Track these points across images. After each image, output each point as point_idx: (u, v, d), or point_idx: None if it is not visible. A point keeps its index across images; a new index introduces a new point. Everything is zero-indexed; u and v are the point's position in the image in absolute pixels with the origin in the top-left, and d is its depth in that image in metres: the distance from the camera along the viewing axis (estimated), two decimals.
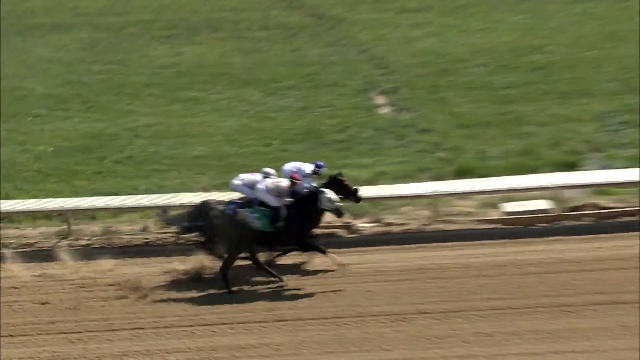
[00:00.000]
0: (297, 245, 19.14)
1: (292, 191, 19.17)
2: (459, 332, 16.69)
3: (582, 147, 23.67)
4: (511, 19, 31.40)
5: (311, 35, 31.46)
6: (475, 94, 26.72)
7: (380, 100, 27.08)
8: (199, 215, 19.51)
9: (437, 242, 20.19)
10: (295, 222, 18.82)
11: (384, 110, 26.49)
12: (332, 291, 18.21)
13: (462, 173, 22.54)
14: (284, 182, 19.29)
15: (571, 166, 22.62)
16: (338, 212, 18.98)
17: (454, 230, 20.92)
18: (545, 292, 17.87)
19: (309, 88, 27.96)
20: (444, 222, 21.23)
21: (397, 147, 24.37)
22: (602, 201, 21.48)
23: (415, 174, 22.80)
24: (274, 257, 19.63)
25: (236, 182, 19.91)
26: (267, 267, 19.05)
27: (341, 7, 33.52)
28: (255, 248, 18.98)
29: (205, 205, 19.52)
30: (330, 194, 18.85)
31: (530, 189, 21.46)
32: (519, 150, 23.77)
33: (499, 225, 21.01)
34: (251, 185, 19.59)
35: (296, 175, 19.39)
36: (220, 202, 19.50)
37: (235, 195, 19.93)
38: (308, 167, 19.86)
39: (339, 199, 18.86)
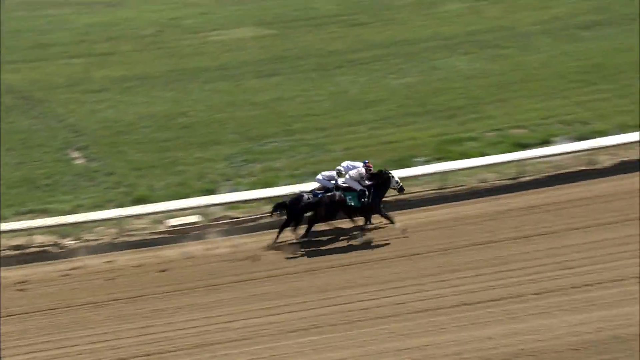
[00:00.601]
0: (374, 213, 20.54)
1: (369, 176, 20.37)
2: None
3: (218, 178, 24.07)
4: (165, 95, 31.01)
5: (21, 111, 30.56)
6: (143, 146, 26.60)
7: (75, 154, 26.55)
8: (302, 202, 20.43)
9: (121, 250, 21.01)
10: (374, 198, 20.29)
11: (79, 162, 26.07)
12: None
13: (138, 201, 22.81)
14: (362, 170, 20.52)
15: (211, 191, 23.06)
16: (401, 189, 20.75)
17: (134, 240, 21.66)
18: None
19: (23, 149, 27.27)
20: (127, 235, 21.90)
21: (90, 186, 24.24)
22: (233, 213, 22.44)
23: (104, 204, 22.98)
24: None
25: (319, 177, 20.95)
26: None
27: (42, 91, 32.66)
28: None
29: (302, 196, 20.52)
30: (396, 176, 20.54)
31: (185, 209, 22.18)
32: (176, 182, 24.00)
33: (166, 235, 21.84)
34: (330, 179, 20.72)
35: (370, 164, 20.74)
36: (310, 192, 20.63)
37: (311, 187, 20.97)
38: (358, 163, 20.83)
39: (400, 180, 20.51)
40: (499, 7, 33.89)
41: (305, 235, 20.76)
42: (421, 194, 22.88)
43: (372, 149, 24.79)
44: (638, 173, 22.74)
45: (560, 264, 19.64)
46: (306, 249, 20.49)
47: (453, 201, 22.49)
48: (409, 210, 21.97)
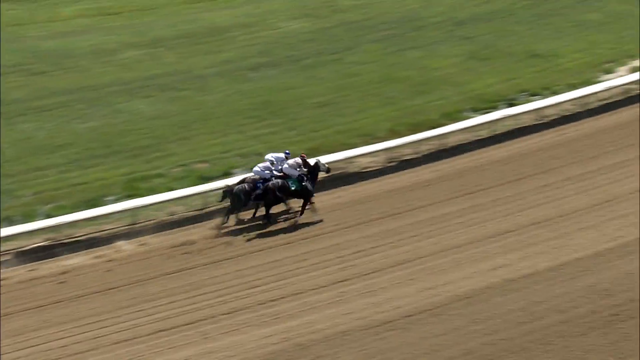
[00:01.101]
0: (311, 194, 22.57)
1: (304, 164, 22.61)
2: None
3: None
4: None
5: None
6: None
7: None
8: (249, 189, 22.11)
9: None
10: (308, 183, 22.52)
11: None
12: None
13: None
14: (299, 160, 22.64)
15: None
16: (327, 170, 23.34)
17: None
18: None
19: None
20: None
21: None
22: None
23: None
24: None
25: (256, 169, 22.60)
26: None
27: None
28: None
29: (247, 185, 22.17)
30: (323, 161, 23.20)
31: None
32: None
33: None
34: (266, 169, 22.47)
35: (304, 154, 23.00)
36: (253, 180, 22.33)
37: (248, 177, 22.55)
38: (281, 154, 22.84)
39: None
40: (174, 52, 34.42)
41: (267, 218, 22.57)
42: (113, 230, 22.62)
43: (63, 191, 24.20)
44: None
45: (248, 283, 20.25)
46: None
47: (144, 234, 22.48)
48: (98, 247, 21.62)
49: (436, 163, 25.50)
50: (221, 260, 21.35)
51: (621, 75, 29.51)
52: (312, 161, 23.10)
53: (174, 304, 19.47)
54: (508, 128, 27.09)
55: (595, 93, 28.25)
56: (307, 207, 22.83)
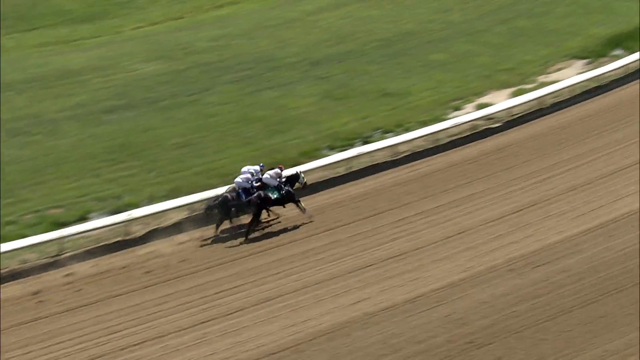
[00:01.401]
0: (291, 202, 24.24)
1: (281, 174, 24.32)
2: None
3: None
4: None
5: None
6: None
7: None
8: (230, 200, 23.83)
9: None
10: (288, 190, 24.22)
11: None
12: None
13: None
14: (278, 170, 24.34)
15: None
16: (305, 184, 25.08)
17: None
18: None
19: None
20: None
21: None
22: None
23: None
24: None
25: (238, 180, 24.23)
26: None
27: None
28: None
29: (230, 195, 23.98)
30: (302, 173, 24.95)
31: None
32: None
33: None
34: (247, 180, 24.13)
35: (281, 165, 25.03)
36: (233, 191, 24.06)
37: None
38: (257, 167, 24.59)
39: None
40: (25, 96, 33.63)
41: (255, 226, 23.75)
42: None
43: None
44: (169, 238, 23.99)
45: (108, 329, 19.93)
46: None
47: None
48: None
49: None
50: (79, 307, 20.93)
51: (468, 112, 30.93)
52: (291, 171, 25.02)
53: (29, 354, 18.91)
54: (364, 165, 27.85)
55: (445, 129, 29.47)
56: (301, 208, 24.48)
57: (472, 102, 31.97)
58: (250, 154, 28.26)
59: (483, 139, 29.32)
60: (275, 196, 24.00)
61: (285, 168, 25.54)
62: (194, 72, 35.58)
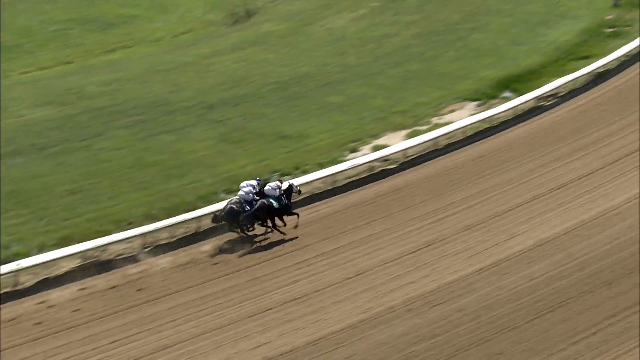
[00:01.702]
0: (288, 213, 26.14)
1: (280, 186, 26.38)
2: None
3: None
4: None
5: None
6: None
7: None
8: (237, 210, 25.63)
9: None
10: (286, 200, 26.09)
11: None
12: None
13: None
14: (278, 182, 26.39)
15: None
16: (299, 192, 27.22)
17: None
18: None
19: None
20: None
21: None
22: None
23: None
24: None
25: (241, 193, 26.00)
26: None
27: None
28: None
29: (235, 206, 25.75)
30: (296, 184, 27.09)
31: None
32: None
33: None
34: (249, 192, 25.97)
35: (281, 178, 27.17)
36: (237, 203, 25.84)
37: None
38: (254, 181, 26.45)
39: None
40: None
41: (244, 232, 25.90)
42: None
43: None
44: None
45: None
46: None
47: None
48: None
49: (192, 246, 25.80)
50: None
51: (365, 154, 31.53)
52: (285, 184, 26.51)
53: None
54: None
55: (343, 171, 29.95)
56: (295, 220, 26.37)
57: (369, 143, 32.60)
58: (145, 199, 28.06)
59: (380, 180, 29.88)
60: (275, 205, 25.81)
61: (113, 231, 25.40)
62: (86, 117, 35.19)
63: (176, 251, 25.49)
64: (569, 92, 35.93)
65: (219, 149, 32.11)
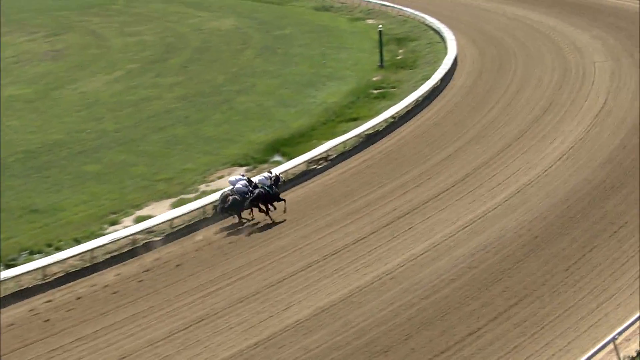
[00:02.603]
0: (278, 199, 31.22)
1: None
2: None
3: None
4: None
5: None
6: None
7: None
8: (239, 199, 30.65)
9: None
10: (274, 189, 31.16)
11: None
12: None
13: None
14: (267, 174, 31.75)
15: None
16: (284, 181, 32.44)
17: None
18: None
19: None
20: None
21: None
22: None
23: None
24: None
25: (238, 186, 30.92)
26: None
27: None
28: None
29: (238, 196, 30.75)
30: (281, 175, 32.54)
31: None
32: None
33: None
34: (245, 185, 30.93)
35: (270, 170, 32.67)
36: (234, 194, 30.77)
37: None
38: (240, 176, 31.89)
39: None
40: None
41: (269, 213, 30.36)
42: None
43: None
44: None
45: None
46: None
47: None
48: None
49: None
50: None
51: (127, 226, 30.78)
52: (272, 174, 31.67)
53: None
54: (10, 291, 26.57)
55: (102, 246, 29.02)
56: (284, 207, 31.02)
57: (131, 215, 31.93)
58: None
59: (144, 254, 29.21)
60: (272, 193, 30.79)
61: None
62: None
63: None
64: (340, 155, 37.07)
65: None
